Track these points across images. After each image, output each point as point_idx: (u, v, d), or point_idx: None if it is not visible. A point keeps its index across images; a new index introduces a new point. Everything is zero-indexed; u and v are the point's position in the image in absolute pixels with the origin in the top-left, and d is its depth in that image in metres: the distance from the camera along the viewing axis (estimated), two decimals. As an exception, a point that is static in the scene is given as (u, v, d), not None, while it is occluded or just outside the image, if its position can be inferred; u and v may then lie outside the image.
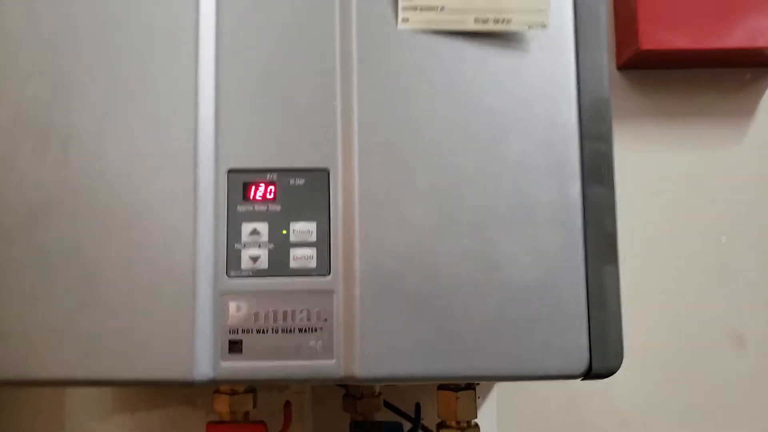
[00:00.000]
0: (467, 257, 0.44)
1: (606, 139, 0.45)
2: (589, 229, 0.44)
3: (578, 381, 0.78)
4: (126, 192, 0.44)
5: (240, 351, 0.43)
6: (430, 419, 0.62)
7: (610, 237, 0.45)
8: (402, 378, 0.43)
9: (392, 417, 0.66)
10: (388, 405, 0.65)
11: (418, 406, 0.62)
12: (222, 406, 0.55)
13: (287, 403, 0.59)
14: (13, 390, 0.74)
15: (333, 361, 0.43)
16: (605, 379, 0.79)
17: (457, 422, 0.50)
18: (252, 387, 0.57)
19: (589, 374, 0.44)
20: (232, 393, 0.55)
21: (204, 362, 0.43)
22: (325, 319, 0.43)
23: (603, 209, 0.45)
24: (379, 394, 0.63)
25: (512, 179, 0.45)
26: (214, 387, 0.57)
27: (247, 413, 0.56)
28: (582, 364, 0.44)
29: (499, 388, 0.77)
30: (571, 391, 0.80)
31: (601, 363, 0.44)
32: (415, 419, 0.62)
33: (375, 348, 0.43)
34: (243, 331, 0.43)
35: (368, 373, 0.43)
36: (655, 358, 0.80)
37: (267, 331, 0.43)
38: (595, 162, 0.45)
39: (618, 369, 0.44)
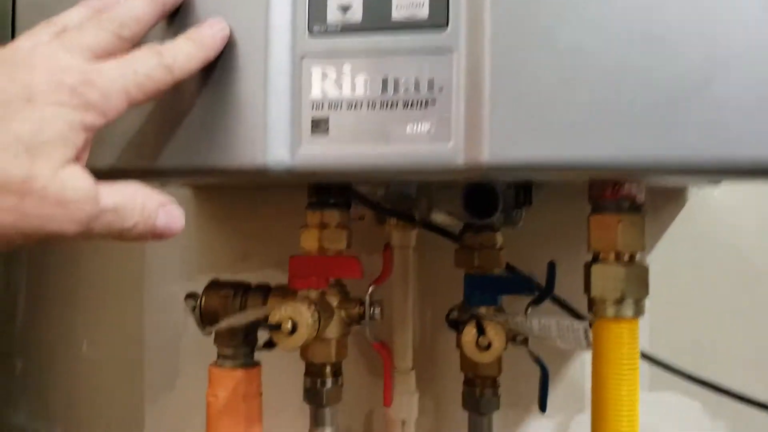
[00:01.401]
0: None
1: None
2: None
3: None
4: None
5: (326, 131, 0.32)
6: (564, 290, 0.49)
7: None
8: (545, 165, 0.31)
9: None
10: (510, 268, 0.53)
11: (551, 266, 0.49)
12: (310, 242, 0.45)
13: (387, 246, 0.48)
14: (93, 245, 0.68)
15: (450, 143, 0.31)
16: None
17: (617, 254, 0.37)
18: (345, 222, 0.46)
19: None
20: (322, 226, 0.45)
21: (280, 145, 0.33)
22: (440, 89, 0.31)
23: None
24: (501, 247, 0.50)
25: None
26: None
27: (340, 252, 0.46)
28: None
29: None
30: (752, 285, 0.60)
31: None
32: (548, 283, 0.49)
33: (509, 125, 0.31)
34: (330, 105, 0.32)
35: (499, 157, 0.31)
36: None
37: (361, 105, 0.32)
38: None
39: None
